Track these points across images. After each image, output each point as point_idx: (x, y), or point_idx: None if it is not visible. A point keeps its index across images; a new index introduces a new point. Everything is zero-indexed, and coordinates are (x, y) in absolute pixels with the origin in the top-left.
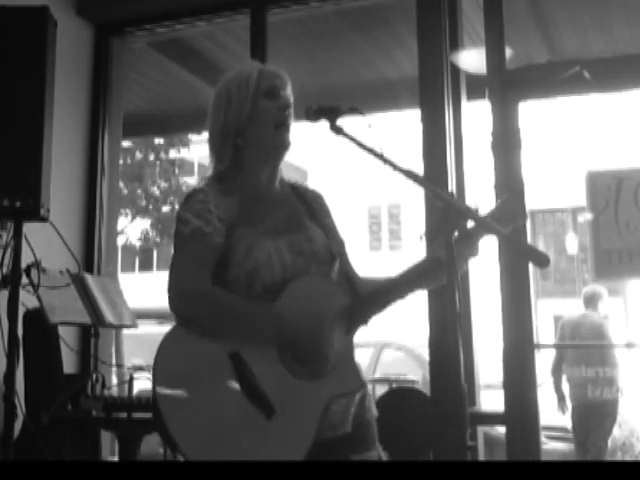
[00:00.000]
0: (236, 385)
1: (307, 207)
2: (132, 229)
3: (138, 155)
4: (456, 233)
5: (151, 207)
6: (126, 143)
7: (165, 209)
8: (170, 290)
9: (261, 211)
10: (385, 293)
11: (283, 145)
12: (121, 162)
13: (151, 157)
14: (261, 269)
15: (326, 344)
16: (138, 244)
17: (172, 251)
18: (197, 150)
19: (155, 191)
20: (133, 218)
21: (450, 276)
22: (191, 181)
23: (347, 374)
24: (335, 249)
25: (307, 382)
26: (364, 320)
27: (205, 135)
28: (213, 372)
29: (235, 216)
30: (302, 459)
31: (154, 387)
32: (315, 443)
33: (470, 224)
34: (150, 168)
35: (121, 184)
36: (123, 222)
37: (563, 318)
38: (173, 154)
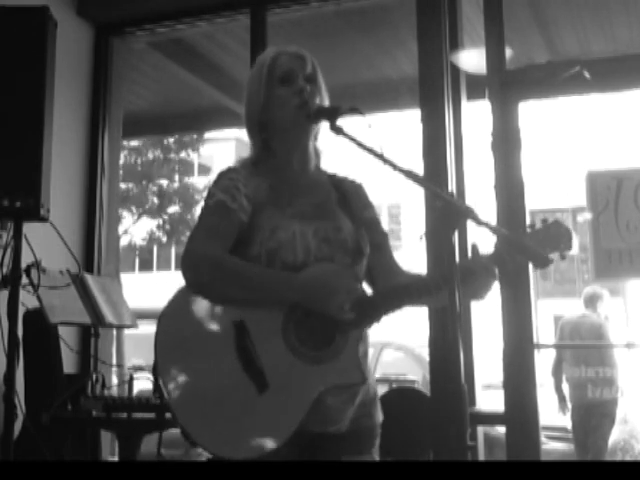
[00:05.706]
0: (235, 353)
1: (342, 197)
2: (137, 229)
3: (148, 155)
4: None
5: (157, 206)
6: (134, 142)
7: (171, 210)
8: (182, 256)
9: (290, 195)
10: (401, 294)
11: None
12: (125, 161)
13: (157, 155)
14: (283, 249)
15: (335, 321)
16: (144, 244)
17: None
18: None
19: (162, 190)
20: (138, 218)
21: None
22: (192, 181)
23: (348, 367)
24: (364, 244)
25: (306, 365)
26: (375, 318)
27: (205, 135)
28: (215, 337)
29: (264, 197)
30: (281, 443)
31: (156, 343)
32: (300, 433)
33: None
34: (158, 168)
35: (130, 184)
36: (127, 222)
37: (563, 318)
38: (182, 155)
